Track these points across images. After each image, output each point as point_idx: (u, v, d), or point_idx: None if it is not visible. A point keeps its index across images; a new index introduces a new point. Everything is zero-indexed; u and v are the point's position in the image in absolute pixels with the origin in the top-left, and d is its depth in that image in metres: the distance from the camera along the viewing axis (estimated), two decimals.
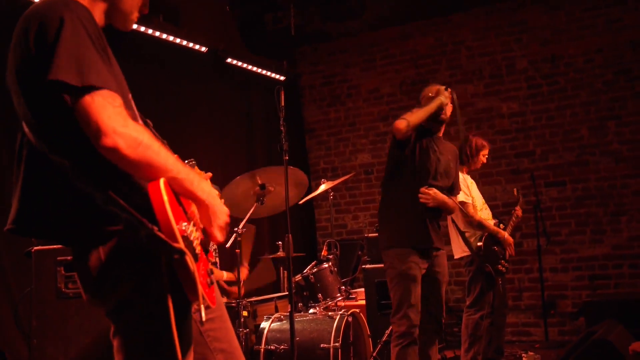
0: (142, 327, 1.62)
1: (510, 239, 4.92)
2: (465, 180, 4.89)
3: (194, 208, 1.74)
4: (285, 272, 5.27)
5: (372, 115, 7.61)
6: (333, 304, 4.60)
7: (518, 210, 5.22)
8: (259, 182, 4.18)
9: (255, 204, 4.17)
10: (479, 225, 4.78)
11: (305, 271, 4.66)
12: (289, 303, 3.62)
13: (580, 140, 6.58)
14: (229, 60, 6.56)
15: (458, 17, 7.19)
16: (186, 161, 2.18)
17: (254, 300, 4.68)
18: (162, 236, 1.48)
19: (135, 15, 1.85)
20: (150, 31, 5.53)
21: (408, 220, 3.80)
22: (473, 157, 5.07)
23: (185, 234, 1.57)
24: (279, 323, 4.37)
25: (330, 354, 4.07)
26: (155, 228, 1.50)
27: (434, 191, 3.81)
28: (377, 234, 5.59)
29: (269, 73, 7.20)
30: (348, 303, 5.24)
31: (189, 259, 1.49)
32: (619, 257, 6.35)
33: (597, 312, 5.47)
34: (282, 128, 3.68)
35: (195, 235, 1.67)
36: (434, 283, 3.87)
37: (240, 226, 4.23)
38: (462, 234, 4.76)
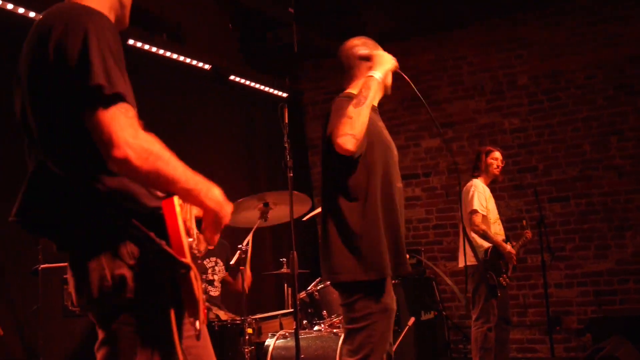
0: (141, 340, 1.60)
1: (514, 252, 4.92)
2: (485, 192, 4.96)
3: (191, 220, 1.75)
4: (290, 289, 5.25)
5: None
6: (338, 320, 4.56)
7: (528, 233, 5.28)
8: (263, 200, 4.18)
9: (259, 221, 4.15)
10: (483, 236, 4.81)
11: (309, 288, 4.63)
12: (294, 320, 3.60)
13: (583, 155, 6.58)
14: (231, 77, 6.59)
15: (458, 33, 7.22)
16: None
17: (259, 318, 4.65)
18: (171, 251, 1.49)
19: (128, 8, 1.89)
20: (154, 49, 5.56)
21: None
22: (484, 164, 5.13)
23: (193, 250, 1.58)
24: (283, 340, 4.34)
25: None
26: (164, 242, 1.51)
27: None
28: None
29: (271, 90, 7.23)
30: None
31: (194, 274, 1.51)
32: (624, 273, 6.32)
33: (603, 328, 5.44)
34: (287, 145, 3.68)
35: (199, 252, 1.68)
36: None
37: (244, 243, 4.21)
38: (470, 242, 4.76)
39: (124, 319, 1.60)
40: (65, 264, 3.14)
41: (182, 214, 1.57)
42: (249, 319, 4.21)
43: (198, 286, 1.54)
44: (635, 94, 6.39)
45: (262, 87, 7.10)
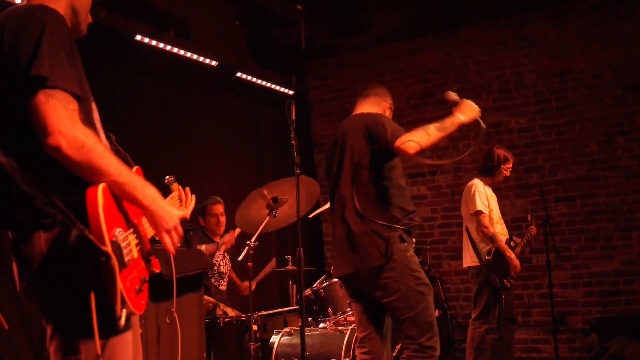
0: (70, 322, 1.67)
1: (517, 262, 4.83)
2: (486, 192, 4.91)
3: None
4: (295, 286, 5.26)
5: None
6: (343, 318, 4.57)
7: (533, 229, 5.23)
8: (271, 195, 4.17)
9: (268, 217, 4.15)
10: (491, 239, 4.77)
11: (315, 285, 4.64)
12: (299, 317, 3.60)
13: (590, 155, 6.55)
14: (238, 74, 6.60)
15: (466, 31, 7.20)
16: (166, 177, 2.20)
17: (264, 315, 4.66)
18: (91, 237, 1.55)
19: (89, 18, 1.97)
20: (161, 45, 5.56)
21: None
22: (495, 170, 5.05)
23: (116, 239, 1.62)
24: (288, 337, 4.35)
25: None
26: (87, 230, 1.57)
27: None
28: None
29: (277, 87, 7.23)
30: None
31: (114, 263, 1.56)
32: (629, 273, 6.30)
33: (609, 328, 5.42)
34: (294, 142, 3.67)
35: (131, 243, 1.71)
36: None
37: (253, 239, 4.22)
38: (472, 243, 4.75)
39: (61, 303, 1.67)
40: None
41: (107, 202, 1.62)
42: (254, 316, 4.22)
43: (124, 275, 1.61)
44: None
45: (268, 85, 7.11)
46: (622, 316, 5.92)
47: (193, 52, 5.95)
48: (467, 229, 4.93)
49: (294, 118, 3.73)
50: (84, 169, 1.63)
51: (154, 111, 5.55)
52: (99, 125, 1.88)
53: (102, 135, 1.88)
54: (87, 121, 1.74)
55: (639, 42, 6.41)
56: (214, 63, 6.22)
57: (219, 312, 4.54)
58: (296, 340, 4.23)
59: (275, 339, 4.36)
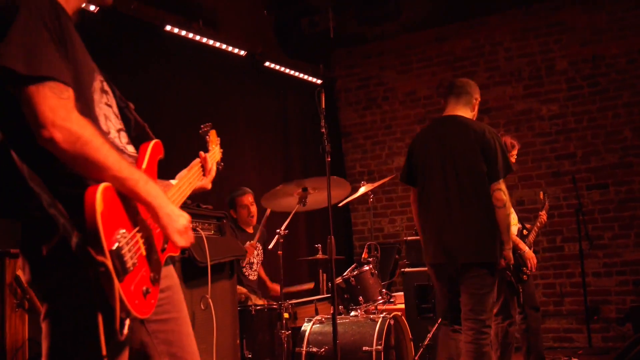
0: (68, 324, 1.61)
1: (532, 255, 4.71)
2: None
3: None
4: (325, 274, 5.26)
5: (408, 118, 7.57)
6: (373, 307, 4.56)
7: (543, 215, 5.02)
8: (302, 186, 4.18)
9: (297, 206, 4.16)
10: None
11: (345, 274, 4.63)
12: (331, 305, 3.59)
13: (624, 141, 6.44)
14: (266, 63, 6.60)
15: (495, 18, 7.11)
16: (202, 125, 2.17)
17: (294, 303, 4.67)
18: (88, 247, 1.46)
19: None
20: (190, 35, 5.59)
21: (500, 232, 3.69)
22: None
23: (117, 245, 1.51)
24: (320, 325, 4.35)
25: (373, 356, 4.02)
26: (84, 237, 1.48)
27: None
28: (417, 238, 5.55)
29: (305, 76, 7.22)
30: (387, 307, 5.20)
31: (111, 273, 1.47)
32: None
33: None
34: (324, 130, 3.66)
35: (139, 242, 1.62)
36: None
37: (283, 227, 4.23)
38: None
39: (56, 303, 1.63)
40: None
41: (108, 204, 1.52)
42: (285, 304, 4.23)
43: (116, 284, 1.49)
44: None
45: (296, 74, 7.10)
46: None
47: (221, 41, 5.97)
48: None
49: (323, 107, 3.72)
50: (81, 163, 1.54)
51: (183, 101, 5.58)
52: (105, 108, 1.76)
53: (107, 122, 1.76)
54: (86, 109, 1.63)
55: None
56: (242, 52, 6.23)
57: (250, 304, 4.56)
58: (327, 328, 4.23)
59: (306, 326, 4.36)
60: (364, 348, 4.07)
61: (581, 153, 6.63)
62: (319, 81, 7.32)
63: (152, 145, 1.85)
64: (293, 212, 4.15)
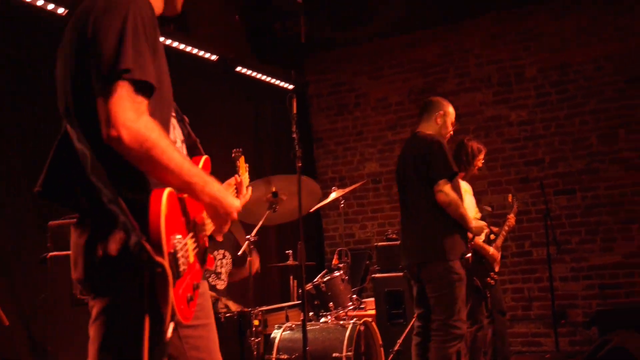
0: (124, 322, 1.63)
1: (497, 254, 4.76)
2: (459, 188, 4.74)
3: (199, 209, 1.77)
4: (295, 281, 5.24)
5: (380, 124, 7.60)
6: (344, 313, 4.56)
7: (511, 219, 5.04)
8: (272, 189, 4.16)
9: (268, 212, 4.14)
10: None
11: (316, 280, 4.62)
12: (301, 311, 3.59)
13: (590, 148, 6.54)
14: (238, 68, 6.57)
15: (466, 25, 7.19)
16: (233, 150, 2.20)
17: (265, 310, 4.65)
18: (148, 247, 1.49)
19: None
20: (161, 39, 5.53)
21: (460, 231, 4.00)
22: (470, 163, 4.86)
23: (174, 249, 1.56)
24: (290, 332, 4.33)
25: None
26: (144, 237, 1.50)
27: None
28: (388, 243, 5.58)
29: (277, 82, 7.21)
30: (358, 313, 5.20)
31: (169, 276, 1.50)
32: (630, 266, 6.30)
33: (609, 321, 5.42)
34: (295, 135, 3.66)
35: (189, 249, 1.66)
36: None
37: (253, 234, 4.20)
38: None
39: (110, 301, 1.64)
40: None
41: (170, 208, 1.56)
42: (255, 311, 4.20)
43: (177, 286, 1.55)
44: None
45: (268, 79, 7.09)
46: (622, 309, 5.93)
47: (193, 46, 5.92)
48: None
49: (295, 112, 3.72)
50: (145, 164, 1.58)
51: None
52: (172, 117, 1.85)
53: (174, 131, 1.86)
54: (159, 113, 1.69)
55: (638, 34, 6.40)
56: (213, 57, 6.19)
57: (220, 306, 4.52)
58: (298, 334, 4.22)
59: (276, 333, 4.34)
60: (334, 354, 4.07)
61: (549, 159, 6.72)
62: (291, 86, 7.31)
63: (203, 161, 1.94)
64: (263, 218, 4.13)
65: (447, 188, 3.89)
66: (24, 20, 4.53)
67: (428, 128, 4.20)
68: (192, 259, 1.69)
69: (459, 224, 3.97)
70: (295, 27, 6.65)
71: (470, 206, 4.85)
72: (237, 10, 6.69)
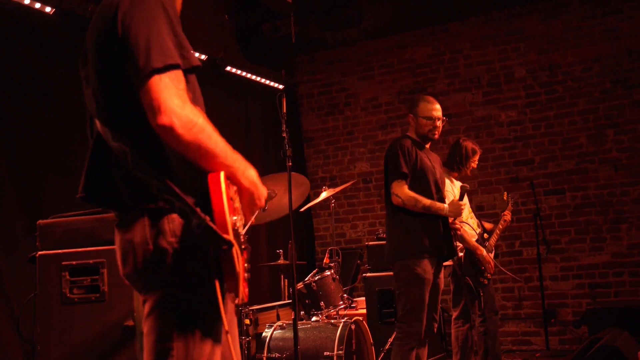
0: (182, 312, 1.63)
1: (489, 258, 4.74)
2: (453, 188, 4.73)
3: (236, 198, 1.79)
4: (286, 280, 5.24)
5: (370, 124, 7.61)
6: (335, 312, 4.56)
7: (507, 215, 5.02)
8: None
9: (257, 210, 4.11)
10: (460, 239, 4.61)
11: (307, 279, 4.62)
12: (292, 310, 3.58)
13: (579, 148, 6.58)
14: (227, 68, 6.56)
15: (455, 26, 7.21)
16: None
17: (256, 309, 4.64)
18: (214, 226, 1.52)
19: None
20: None
21: (423, 228, 3.93)
22: (465, 164, 4.85)
23: (236, 227, 1.61)
24: (281, 331, 4.33)
25: None
26: (208, 218, 1.53)
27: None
28: (378, 243, 5.58)
29: (267, 81, 7.20)
30: (349, 312, 5.20)
31: (236, 251, 1.54)
32: (619, 265, 6.34)
33: (599, 320, 5.45)
34: (285, 134, 3.66)
35: (242, 230, 1.71)
36: (435, 289, 4.02)
37: (243, 232, 4.18)
38: None
39: (167, 291, 1.64)
40: (64, 250, 3.14)
41: (227, 191, 1.60)
42: (246, 310, 4.19)
43: (239, 263, 1.57)
44: (632, 87, 6.39)
45: (257, 79, 7.08)
46: (611, 307, 5.95)
47: None
48: None
49: (284, 111, 3.72)
50: (193, 150, 1.59)
51: None
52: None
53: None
54: (194, 99, 1.71)
55: (627, 35, 6.45)
56: (203, 57, 6.18)
57: None
58: (289, 333, 4.21)
59: (267, 332, 4.34)
60: (325, 353, 4.07)
61: (539, 159, 6.76)
62: (281, 86, 7.31)
63: None
64: (253, 216, 4.11)
65: (398, 189, 3.94)
66: (8, 18, 4.48)
67: (409, 129, 4.26)
68: (243, 242, 1.72)
69: (426, 222, 3.93)
70: (285, 27, 6.66)
71: (464, 205, 4.85)
72: (227, 10, 6.68)
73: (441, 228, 4.00)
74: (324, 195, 5.00)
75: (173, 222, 1.61)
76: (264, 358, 4.20)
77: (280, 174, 3.92)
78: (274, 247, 5.63)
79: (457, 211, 4.03)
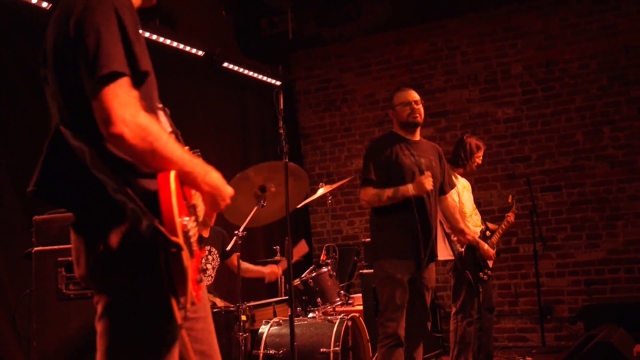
0: (133, 316, 1.61)
1: (491, 251, 4.77)
2: (457, 184, 4.74)
3: (196, 197, 1.78)
4: (283, 276, 5.24)
5: (367, 120, 7.60)
6: (331, 308, 4.56)
7: (510, 216, 5.08)
8: (259, 182, 4.14)
9: (256, 207, 4.12)
10: (460, 232, 4.60)
11: (304, 275, 4.62)
12: (288, 307, 3.58)
13: (576, 145, 6.59)
14: (225, 64, 6.55)
15: (453, 22, 7.21)
16: (192, 151, 2.17)
17: (252, 305, 4.64)
18: (162, 228, 1.49)
19: None
20: (147, 34, 5.50)
21: (397, 229, 3.95)
22: (469, 160, 4.89)
23: (186, 229, 1.58)
24: (277, 327, 4.33)
25: (331, 358, 4.03)
26: (157, 220, 1.50)
27: None
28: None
29: (264, 78, 7.19)
30: (345, 308, 5.21)
31: (185, 254, 1.51)
32: (615, 262, 6.35)
33: (595, 316, 5.47)
34: (282, 131, 3.65)
35: (194, 232, 1.68)
36: (420, 288, 4.02)
37: (241, 229, 4.19)
38: (447, 236, 4.69)
39: (117, 295, 1.62)
40: (60, 246, 3.13)
41: (177, 191, 1.57)
42: (243, 306, 4.20)
43: (190, 266, 1.54)
44: (629, 84, 6.40)
45: (255, 75, 7.07)
46: (607, 304, 5.98)
47: (179, 41, 5.89)
48: (440, 222, 4.82)
49: (281, 108, 3.71)
50: (149, 159, 1.57)
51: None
52: (156, 102, 1.84)
53: (162, 116, 1.86)
54: (150, 105, 1.69)
55: (623, 32, 6.45)
56: (200, 53, 6.17)
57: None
58: (285, 330, 4.22)
59: (264, 329, 4.34)
60: (321, 349, 4.07)
61: (535, 156, 6.76)
62: (278, 82, 7.30)
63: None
64: (252, 213, 4.11)
65: (362, 193, 4.03)
66: (5, 13, 4.47)
67: (393, 126, 4.25)
68: (195, 244, 1.69)
69: (402, 223, 3.92)
70: (282, 24, 6.64)
71: (468, 202, 4.89)
72: (224, 6, 6.67)
73: (419, 229, 3.91)
74: (320, 191, 5.00)
75: (125, 224, 1.57)
76: (261, 354, 4.20)
77: (278, 164, 3.88)
78: (270, 243, 5.63)
79: (421, 187, 3.87)
